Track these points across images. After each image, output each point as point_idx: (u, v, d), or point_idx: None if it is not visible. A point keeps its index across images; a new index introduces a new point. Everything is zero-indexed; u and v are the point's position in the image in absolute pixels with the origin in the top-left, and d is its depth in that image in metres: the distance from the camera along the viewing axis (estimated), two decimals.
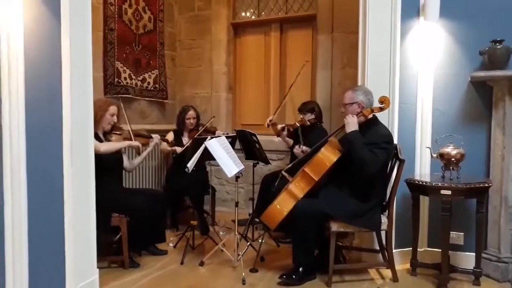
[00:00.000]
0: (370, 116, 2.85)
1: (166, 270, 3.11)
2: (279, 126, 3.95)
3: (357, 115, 2.83)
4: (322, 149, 2.85)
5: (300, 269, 2.83)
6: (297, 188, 2.82)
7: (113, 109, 3.21)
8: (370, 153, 2.68)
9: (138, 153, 3.45)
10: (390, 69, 3.10)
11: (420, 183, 2.82)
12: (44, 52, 2.21)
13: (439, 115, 3.16)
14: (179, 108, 4.49)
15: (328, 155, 2.81)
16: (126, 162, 3.49)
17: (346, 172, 2.80)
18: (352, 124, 2.78)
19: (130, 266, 3.11)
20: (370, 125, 2.85)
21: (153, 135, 3.55)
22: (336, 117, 4.14)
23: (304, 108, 3.86)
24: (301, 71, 4.23)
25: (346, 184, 2.83)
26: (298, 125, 3.82)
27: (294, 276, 2.82)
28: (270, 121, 4.02)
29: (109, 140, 3.26)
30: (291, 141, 4.01)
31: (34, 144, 2.14)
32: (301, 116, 3.84)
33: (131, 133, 3.34)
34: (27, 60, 2.09)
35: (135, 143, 3.27)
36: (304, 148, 3.53)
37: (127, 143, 3.26)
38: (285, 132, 3.95)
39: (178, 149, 3.96)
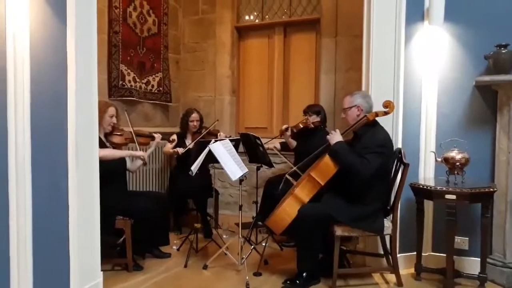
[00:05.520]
0: (373, 119, 2.84)
1: (170, 273, 3.10)
2: (283, 127, 3.94)
3: (361, 118, 2.82)
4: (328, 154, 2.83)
5: (304, 273, 2.82)
6: (303, 192, 2.81)
7: (111, 110, 3.22)
8: (360, 158, 2.68)
9: (144, 163, 3.38)
10: (395, 73, 3.09)
11: (425, 187, 2.81)
12: (50, 54, 2.22)
13: (443, 119, 3.15)
14: (182, 111, 4.50)
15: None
16: (129, 163, 3.51)
17: (343, 177, 2.78)
18: (335, 137, 2.81)
19: (133, 269, 3.11)
20: (368, 128, 2.83)
21: (154, 135, 3.56)
22: (340, 121, 4.13)
23: (310, 109, 3.85)
24: None
25: (345, 188, 2.82)
26: (302, 126, 3.81)
27: (298, 281, 2.82)
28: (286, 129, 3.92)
29: (111, 141, 3.28)
30: (294, 142, 3.99)
31: (39, 147, 2.14)
32: (306, 117, 3.83)
33: (133, 133, 3.37)
34: (33, 62, 2.10)
35: (139, 153, 3.35)
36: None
37: (129, 152, 3.35)
38: (288, 133, 3.92)
39: (180, 150, 3.93)
